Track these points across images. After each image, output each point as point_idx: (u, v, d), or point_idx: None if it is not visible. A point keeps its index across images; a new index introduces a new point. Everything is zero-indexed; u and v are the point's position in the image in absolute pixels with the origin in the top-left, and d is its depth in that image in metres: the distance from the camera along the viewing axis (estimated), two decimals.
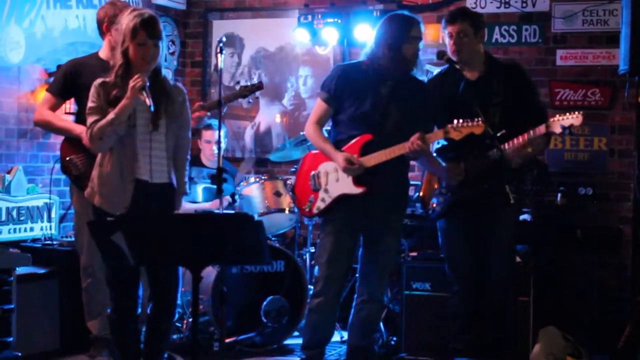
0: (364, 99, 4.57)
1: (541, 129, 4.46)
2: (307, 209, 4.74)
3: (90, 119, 4.18)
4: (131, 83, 4.10)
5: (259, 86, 5.86)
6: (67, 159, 5.09)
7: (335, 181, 4.61)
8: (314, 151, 4.87)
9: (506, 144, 4.52)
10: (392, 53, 4.49)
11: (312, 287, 5.76)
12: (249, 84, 5.89)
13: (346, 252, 4.66)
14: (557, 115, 4.47)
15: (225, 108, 5.36)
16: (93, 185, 4.26)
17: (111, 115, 4.12)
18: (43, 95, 5.70)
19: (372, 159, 4.51)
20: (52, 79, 5.73)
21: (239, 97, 5.94)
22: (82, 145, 4.96)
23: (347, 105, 4.60)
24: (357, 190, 4.54)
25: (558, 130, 4.43)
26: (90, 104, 4.22)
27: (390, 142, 4.51)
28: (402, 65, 4.54)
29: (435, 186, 4.84)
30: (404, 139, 4.45)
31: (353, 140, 4.58)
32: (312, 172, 4.71)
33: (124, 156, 4.21)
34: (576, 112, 4.41)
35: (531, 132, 4.48)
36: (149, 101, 4.10)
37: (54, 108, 5.17)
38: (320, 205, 4.67)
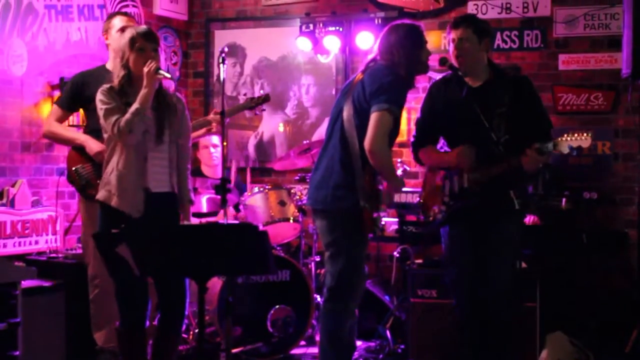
0: None
1: (549, 146, 4.42)
2: None
3: (111, 118, 4.21)
4: (145, 69, 4.20)
5: (265, 98, 5.85)
6: (73, 169, 5.09)
7: None
8: None
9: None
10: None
11: (317, 296, 5.77)
12: (256, 95, 5.88)
13: None
14: (566, 135, 4.40)
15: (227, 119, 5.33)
16: (110, 187, 4.27)
17: (135, 106, 4.18)
18: (49, 108, 5.74)
19: None
20: (60, 92, 5.77)
21: (245, 109, 5.93)
22: (88, 155, 4.97)
23: None
24: None
25: (566, 151, 4.39)
26: (105, 107, 4.25)
27: None
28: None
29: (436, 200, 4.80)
30: None
31: None
32: None
33: (137, 160, 4.25)
34: (585, 134, 4.35)
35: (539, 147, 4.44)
36: (168, 75, 4.26)
37: (61, 120, 5.21)
38: None
